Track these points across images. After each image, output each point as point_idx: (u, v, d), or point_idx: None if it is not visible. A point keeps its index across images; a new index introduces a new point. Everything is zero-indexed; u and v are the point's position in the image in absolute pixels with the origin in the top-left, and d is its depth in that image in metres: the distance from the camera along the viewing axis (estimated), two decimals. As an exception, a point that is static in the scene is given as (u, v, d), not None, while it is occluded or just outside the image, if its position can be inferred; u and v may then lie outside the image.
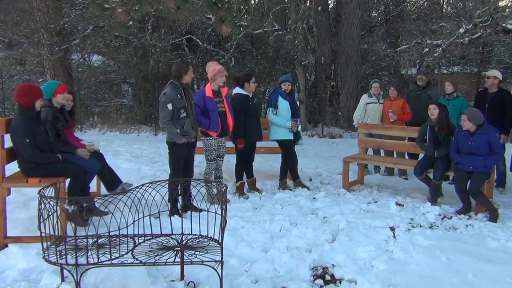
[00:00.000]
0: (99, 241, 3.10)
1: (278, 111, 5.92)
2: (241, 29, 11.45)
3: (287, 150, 6.06)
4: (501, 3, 9.84)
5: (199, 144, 5.43)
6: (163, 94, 4.82)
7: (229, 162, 7.02)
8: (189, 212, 4.60)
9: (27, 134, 3.92)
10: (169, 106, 4.72)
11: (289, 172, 6.22)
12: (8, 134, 3.97)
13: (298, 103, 6.18)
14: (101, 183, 5.04)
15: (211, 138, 5.35)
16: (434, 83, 11.96)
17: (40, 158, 4.04)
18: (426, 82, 6.84)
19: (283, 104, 5.93)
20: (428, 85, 6.85)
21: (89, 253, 2.90)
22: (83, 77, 14.58)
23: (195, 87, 13.85)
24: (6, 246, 3.92)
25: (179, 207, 4.82)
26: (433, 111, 5.42)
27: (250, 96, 5.72)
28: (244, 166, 5.87)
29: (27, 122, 3.96)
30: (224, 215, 2.96)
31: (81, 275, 2.90)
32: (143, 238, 3.25)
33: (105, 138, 11.62)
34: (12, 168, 4.23)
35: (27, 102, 3.96)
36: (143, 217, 3.20)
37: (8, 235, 4.01)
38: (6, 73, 14.70)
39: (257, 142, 5.96)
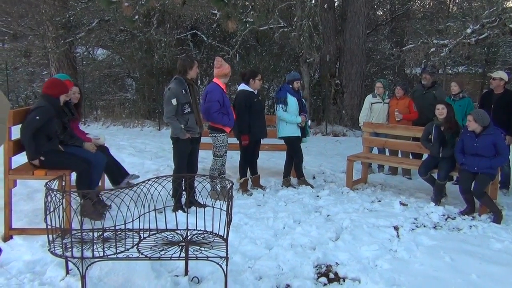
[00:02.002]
0: (104, 234, 3.11)
1: (288, 107, 5.91)
2: (247, 25, 11.39)
3: (294, 147, 6.05)
4: (509, 4, 9.78)
5: (203, 140, 5.43)
6: (167, 89, 4.81)
7: (233, 158, 7.03)
8: (193, 207, 4.63)
9: (41, 114, 4.00)
10: (174, 101, 4.71)
11: (293, 169, 6.22)
12: (15, 127, 3.98)
13: (304, 100, 6.20)
14: (106, 177, 5.06)
15: (223, 134, 5.35)
16: (440, 83, 11.92)
17: (28, 140, 4.01)
18: (432, 82, 6.79)
19: (292, 101, 5.92)
20: (433, 85, 6.81)
21: (95, 247, 2.91)
22: (87, 70, 14.60)
23: (200, 83, 13.84)
24: (11, 237, 3.94)
25: (183, 202, 4.83)
26: (442, 111, 5.39)
27: (255, 93, 5.71)
28: (248, 163, 5.87)
29: (48, 107, 4.08)
30: (229, 211, 2.96)
31: (86, 268, 2.91)
32: (148, 232, 3.26)
33: (108, 132, 11.63)
34: (17, 160, 4.24)
35: (54, 94, 4.20)
36: (149, 211, 3.21)
37: (13, 226, 4.03)
38: (11, 65, 14.72)
39: (261, 139, 5.95)
